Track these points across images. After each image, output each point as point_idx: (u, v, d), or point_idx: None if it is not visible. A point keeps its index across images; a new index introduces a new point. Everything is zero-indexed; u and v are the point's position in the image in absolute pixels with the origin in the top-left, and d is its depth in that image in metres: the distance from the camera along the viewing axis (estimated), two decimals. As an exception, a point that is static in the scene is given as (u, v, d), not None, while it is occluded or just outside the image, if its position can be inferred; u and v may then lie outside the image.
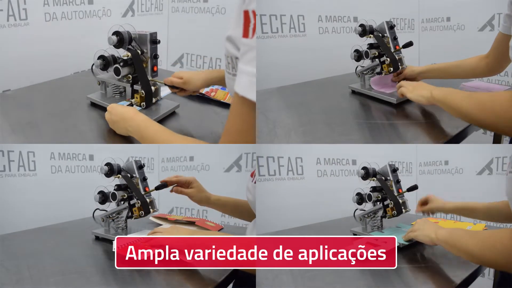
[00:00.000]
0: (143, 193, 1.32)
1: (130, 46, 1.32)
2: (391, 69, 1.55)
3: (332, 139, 1.30)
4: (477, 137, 2.39)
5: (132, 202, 1.32)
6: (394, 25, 1.58)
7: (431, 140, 1.30)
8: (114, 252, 1.16)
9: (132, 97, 1.34)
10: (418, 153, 2.60)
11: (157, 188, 1.36)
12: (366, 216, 1.49)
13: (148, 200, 1.32)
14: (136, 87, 1.33)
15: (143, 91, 1.31)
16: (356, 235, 1.49)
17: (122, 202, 1.33)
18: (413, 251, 1.29)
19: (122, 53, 1.33)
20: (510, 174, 0.99)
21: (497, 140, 1.87)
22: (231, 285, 1.13)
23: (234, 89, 0.90)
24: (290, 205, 2.16)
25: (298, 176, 2.25)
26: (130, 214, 1.33)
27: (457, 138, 1.31)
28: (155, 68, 1.36)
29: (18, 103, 1.45)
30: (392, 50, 1.56)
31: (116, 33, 1.30)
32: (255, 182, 1.07)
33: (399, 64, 1.56)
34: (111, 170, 1.33)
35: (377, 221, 1.49)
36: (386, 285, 1.09)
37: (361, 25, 1.59)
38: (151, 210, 1.31)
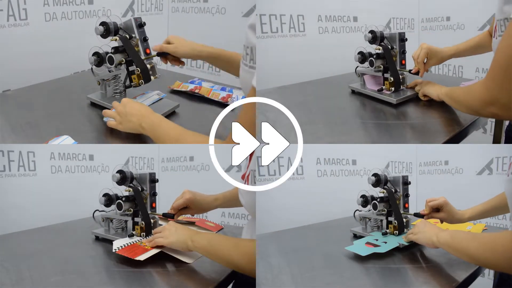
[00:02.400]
0: (149, 212, 1.31)
1: (118, 35, 1.33)
2: (393, 88, 1.54)
3: (332, 139, 1.30)
4: (477, 137, 2.39)
5: (136, 219, 1.31)
6: (406, 39, 1.56)
7: (431, 140, 1.30)
8: (114, 252, 1.16)
9: (131, 81, 1.34)
10: (418, 153, 2.60)
11: (165, 215, 1.36)
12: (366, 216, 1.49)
13: (152, 221, 1.31)
14: (131, 68, 1.34)
15: (138, 69, 1.32)
16: (356, 235, 1.49)
17: (126, 213, 1.32)
18: (413, 251, 1.29)
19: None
20: None
21: (497, 140, 1.87)
22: (231, 285, 1.13)
23: (251, 83, 0.91)
24: (290, 205, 2.16)
25: (298, 176, 2.25)
26: (132, 229, 1.32)
27: (457, 138, 1.31)
28: (147, 51, 1.37)
29: (18, 103, 1.45)
30: (398, 65, 1.56)
31: (103, 23, 1.32)
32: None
33: (401, 84, 1.56)
34: (123, 179, 1.32)
35: (377, 222, 1.49)
36: (386, 285, 1.09)
37: (372, 32, 1.56)
38: (152, 232, 1.30)
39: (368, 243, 1.31)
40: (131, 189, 1.31)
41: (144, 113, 1.19)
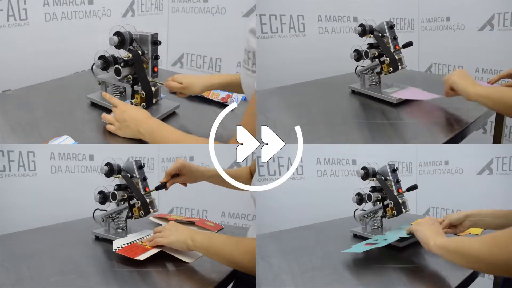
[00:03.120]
0: (143, 193, 1.32)
1: (131, 47, 1.32)
2: (391, 69, 1.55)
3: (332, 139, 1.30)
4: (477, 137, 2.39)
5: (132, 202, 1.32)
6: (394, 25, 1.58)
7: (431, 140, 1.30)
8: (114, 252, 1.16)
9: (133, 98, 1.35)
10: (418, 153, 2.60)
11: (157, 188, 1.36)
12: (366, 216, 1.49)
13: (148, 200, 1.31)
14: (136, 87, 1.33)
15: (143, 92, 1.31)
16: (356, 235, 1.49)
17: (122, 202, 1.33)
18: (413, 251, 1.29)
19: (123, 53, 1.33)
20: None
21: (497, 140, 1.87)
22: (231, 285, 1.13)
23: (254, 87, 0.91)
24: (290, 205, 2.16)
25: (298, 176, 2.25)
26: (130, 214, 1.33)
27: (457, 138, 1.31)
28: (155, 69, 1.36)
29: (18, 103, 1.45)
30: (392, 50, 1.56)
31: (118, 33, 1.30)
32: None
33: (399, 64, 1.56)
34: (111, 170, 1.33)
35: (377, 221, 1.49)
36: (386, 285, 1.09)
37: (361, 25, 1.59)
38: (151, 210, 1.31)
39: (367, 243, 1.30)
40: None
41: (141, 119, 1.20)
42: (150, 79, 1.35)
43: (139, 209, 1.30)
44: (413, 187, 1.47)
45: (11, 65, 1.83)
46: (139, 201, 1.30)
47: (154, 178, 1.41)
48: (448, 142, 1.27)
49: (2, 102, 1.43)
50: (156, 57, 1.34)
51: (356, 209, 1.52)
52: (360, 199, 1.49)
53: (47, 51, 1.95)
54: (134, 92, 1.34)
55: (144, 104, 1.32)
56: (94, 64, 1.33)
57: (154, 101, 1.36)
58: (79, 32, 2.02)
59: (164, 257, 1.15)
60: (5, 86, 1.75)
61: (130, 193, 1.32)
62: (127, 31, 1.31)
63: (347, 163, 2.42)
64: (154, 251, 1.16)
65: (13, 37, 1.82)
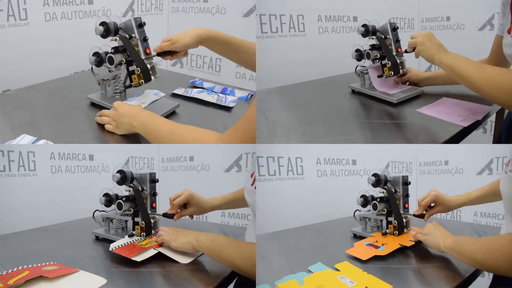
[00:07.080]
0: (149, 212, 1.31)
1: (118, 35, 1.33)
2: (392, 72, 1.55)
3: (332, 139, 1.30)
4: (477, 137, 2.39)
5: (136, 219, 1.31)
6: (397, 27, 1.57)
7: (431, 140, 1.30)
8: (111, 251, 1.16)
9: (131, 81, 1.35)
10: (418, 153, 2.60)
11: (165, 215, 1.35)
12: (366, 217, 1.49)
13: (152, 221, 1.30)
14: (131, 68, 1.34)
15: (139, 69, 1.32)
16: (356, 235, 1.49)
17: (127, 215, 1.32)
18: (414, 251, 1.29)
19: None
20: (510, 173, 0.98)
21: (497, 140, 1.87)
22: (231, 285, 1.13)
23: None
24: (290, 205, 2.16)
25: (298, 176, 2.25)
26: (132, 232, 1.32)
27: (457, 138, 1.31)
28: (147, 51, 1.37)
29: (18, 103, 1.45)
30: (394, 52, 1.56)
31: (103, 23, 1.32)
32: (255, 188, 1.07)
33: (400, 68, 1.55)
34: (123, 179, 1.31)
35: (377, 222, 1.49)
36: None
37: (364, 25, 1.58)
38: (152, 231, 1.30)
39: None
40: (131, 189, 1.31)
41: (133, 112, 1.21)
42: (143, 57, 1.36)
43: (141, 229, 1.29)
44: (420, 216, 1.43)
45: (11, 65, 1.83)
46: (143, 222, 1.29)
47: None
48: (448, 142, 1.27)
49: (2, 102, 1.43)
50: (144, 39, 1.36)
51: (356, 209, 1.52)
52: (365, 201, 1.47)
53: (47, 51, 1.95)
54: (130, 74, 1.34)
55: (143, 80, 1.33)
56: (89, 61, 1.34)
57: (152, 78, 1.36)
58: (79, 32, 2.02)
59: (163, 257, 1.15)
60: (5, 86, 1.75)
61: (136, 207, 1.31)
62: (112, 21, 1.33)
63: (347, 163, 2.42)
64: (152, 252, 1.16)
65: (13, 37, 1.82)
